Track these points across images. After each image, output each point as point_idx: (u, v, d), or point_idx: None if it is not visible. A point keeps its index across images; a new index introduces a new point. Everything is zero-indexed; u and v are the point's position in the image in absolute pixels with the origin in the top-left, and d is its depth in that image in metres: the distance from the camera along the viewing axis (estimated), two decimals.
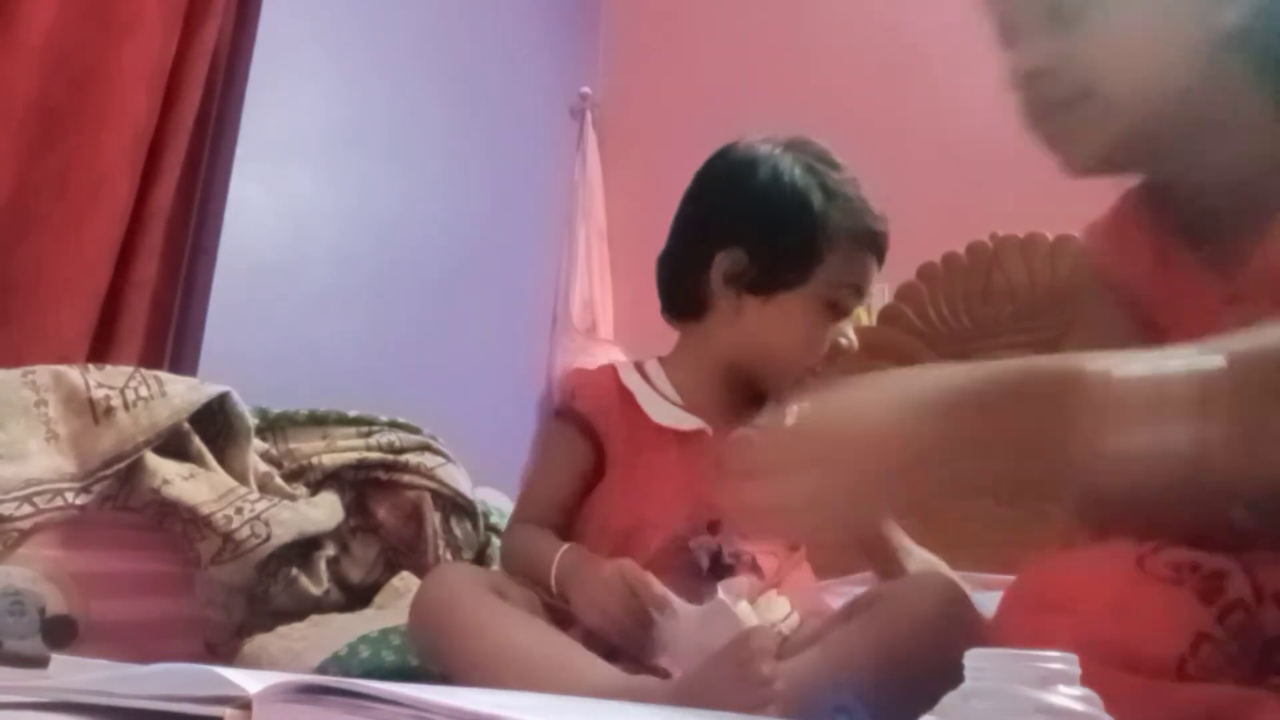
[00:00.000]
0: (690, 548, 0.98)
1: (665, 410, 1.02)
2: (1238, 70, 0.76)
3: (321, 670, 1.01)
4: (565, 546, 0.95)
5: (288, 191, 2.01)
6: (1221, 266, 0.83)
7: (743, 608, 0.83)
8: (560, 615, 0.92)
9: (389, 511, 1.31)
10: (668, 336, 1.13)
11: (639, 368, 1.07)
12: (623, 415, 1.02)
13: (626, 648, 0.87)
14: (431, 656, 0.88)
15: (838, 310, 1.02)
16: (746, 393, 1.04)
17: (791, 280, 1.01)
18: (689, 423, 1.01)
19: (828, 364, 1.02)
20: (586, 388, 1.05)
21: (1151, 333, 0.89)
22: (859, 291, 1.03)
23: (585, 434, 1.02)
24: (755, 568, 0.97)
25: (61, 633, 1.07)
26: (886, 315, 1.99)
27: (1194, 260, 0.85)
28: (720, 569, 0.97)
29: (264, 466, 1.24)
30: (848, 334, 1.03)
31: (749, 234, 1.02)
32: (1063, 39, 0.77)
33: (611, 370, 1.06)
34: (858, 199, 1.04)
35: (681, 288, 1.06)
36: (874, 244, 1.04)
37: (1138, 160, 0.81)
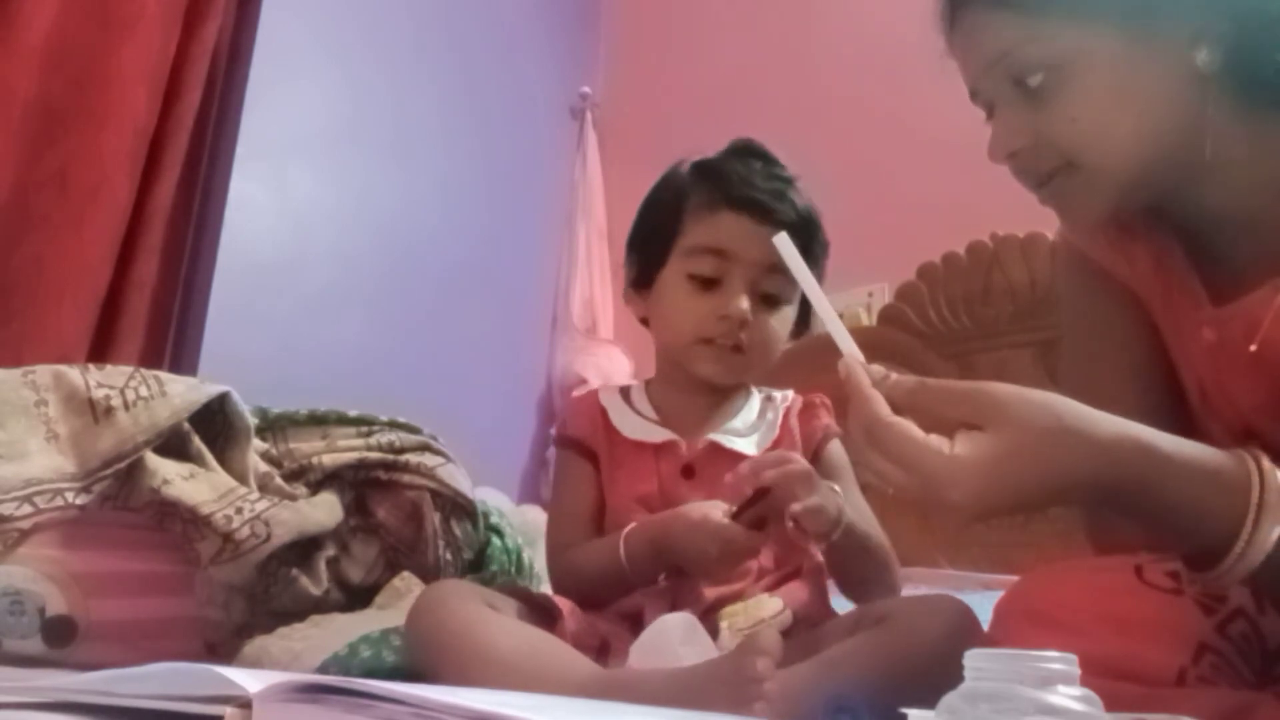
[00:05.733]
0: None
1: (636, 425, 1.08)
2: (1220, 107, 0.75)
3: (322, 670, 1.01)
4: (628, 529, 0.99)
5: (288, 191, 2.01)
6: (1210, 273, 0.83)
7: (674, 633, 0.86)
8: (548, 623, 0.94)
9: (389, 511, 1.31)
10: None
11: (624, 391, 1.13)
12: (605, 433, 1.09)
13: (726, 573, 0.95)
14: (429, 670, 0.89)
15: (702, 279, 1.03)
16: (706, 395, 1.08)
17: (657, 259, 1.07)
18: (657, 435, 1.06)
19: (724, 337, 1.02)
20: (574, 414, 1.13)
21: (1145, 316, 0.89)
22: (721, 254, 1.03)
23: (583, 454, 1.10)
24: None
25: (61, 633, 1.07)
26: (886, 315, 1.99)
27: (1187, 264, 0.85)
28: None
29: (264, 466, 1.24)
30: (734, 305, 1.01)
31: (634, 239, 1.13)
32: (1038, 113, 0.77)
33: (594, 394, 1.14)
34: (736, 172, 1.05)
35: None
36: (736, 202, 1.03)
37: (1135, 207, 0.82)
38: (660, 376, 1.13)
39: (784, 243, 0.78)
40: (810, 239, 1.05)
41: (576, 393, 1.22)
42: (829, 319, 0.75)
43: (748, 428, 1.07)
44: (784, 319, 1.06)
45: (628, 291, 1.13)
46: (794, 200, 1.05)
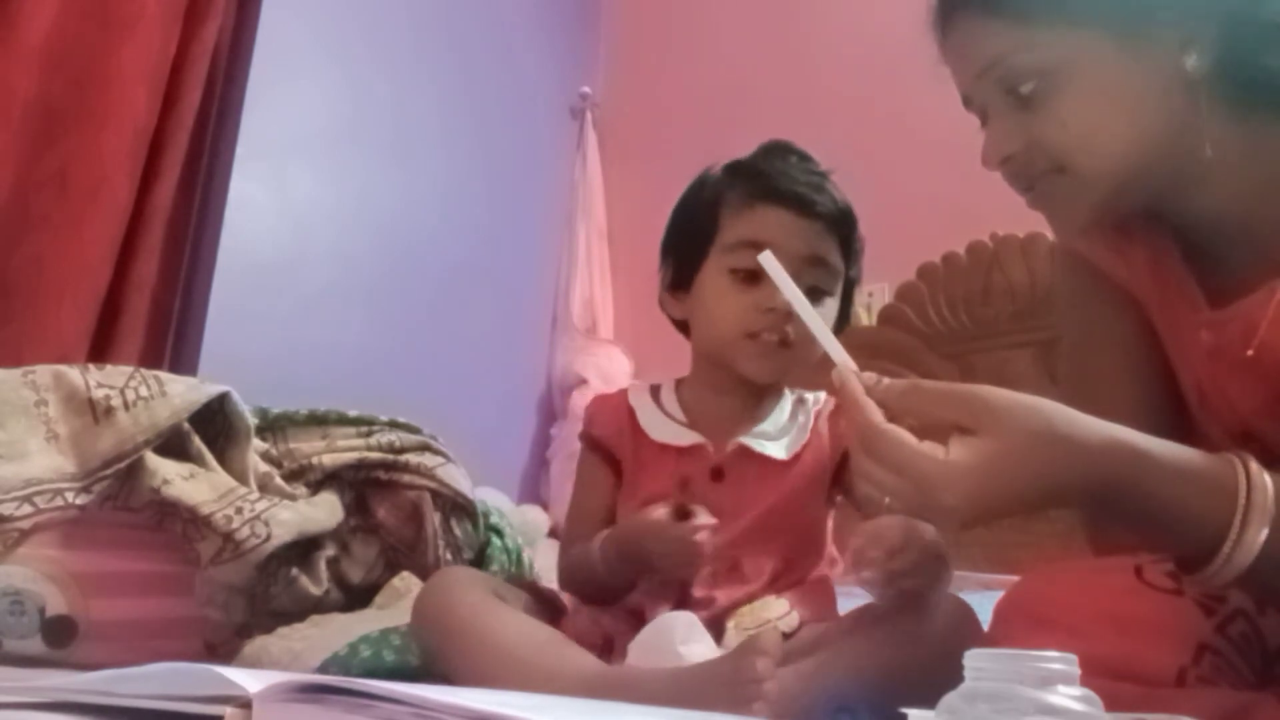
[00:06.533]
0: None
1: (663, 428, 1.06)
2: (1212, 110, 0.75)
3: (322, 670, 1.01)
4: (603, 534, 1.00)
5: (288, 191, 2.01)
6: (1207, 276, 0.83)
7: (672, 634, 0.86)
8: (554, 617, 0.94)
9: (389, 511, 1.31)
10: (667, 336, 1.15)
11: (654, 390, 1.11)
12: (631, 435, 1.07)
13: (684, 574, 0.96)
14: (433, 655, 0.89)
15: (744, 273, 1.01)
16: (740, 397, 1.06)
17: (695, 260, 1.05)
18: (685, 438, 1.04)
19: (769, 331, 1.00)
20: (601, 413, 1.11)
21: (1142, 318, 0.90)
22: (762, 248, 0.96)
23: (603, 456, 1.08)
24: (734, 570, 0.99)
25: (61, 633, 1.07)
26: (886, 315, 1.99)
27: (1184, 266, 0.85)
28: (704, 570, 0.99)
29: (264, 466, 1.24)
30: (779, 298, 0.92)
31: (669, 242, 1.10)
32: (1029, 118, 0.78)
33: (624, 394, 1.11)
34: (773, 166, 1.04)
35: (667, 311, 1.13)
36: (775, 196, 1.01)
37: (1124, 211, 0.82)
38: (694, 377, 1.10)
39: (769, 260, 0.77)
40: (849, 233, 1.05)
41: (593, 394, 1.19)
42: (819, 331, 0.74)
43: (778, 430, 1.05)
44: (828, 312, 1.03)
45: (663, 295, 1.11)
46: (832, 193, 1.03)
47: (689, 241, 1.06)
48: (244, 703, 0.43)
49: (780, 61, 2.51)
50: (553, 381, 2.58)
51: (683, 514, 0.94)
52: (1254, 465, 0.64)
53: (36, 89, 1.66)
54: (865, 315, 2.11)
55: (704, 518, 0.93)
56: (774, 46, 2.55)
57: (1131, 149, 0.76)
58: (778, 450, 1.03)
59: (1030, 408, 0.64)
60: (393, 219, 2.22)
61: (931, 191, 2.07)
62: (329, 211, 2.10)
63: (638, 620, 0.96)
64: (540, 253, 2.66)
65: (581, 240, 2.66)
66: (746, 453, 1.02)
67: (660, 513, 0.93)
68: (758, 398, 1.07)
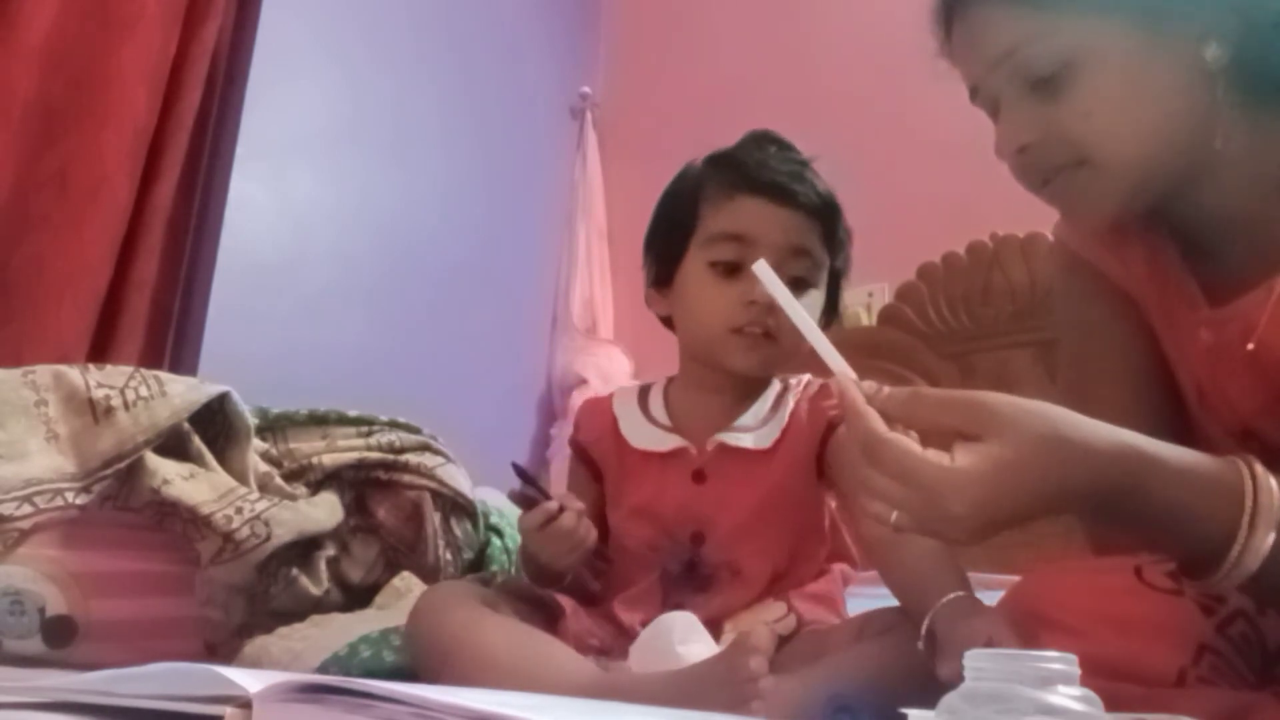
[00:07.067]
0: (664, 556, 1.00)
1: (644, 434, 1.04)
2: (1225, 101, 0.74)
3: (322, 670, 1.01)
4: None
5: (288, 191, 2.01)
6: (1205, 274, 0.83)
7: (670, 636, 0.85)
8: (551, 620, 0.94)
9: (389, 511, 1.31)
10: (667, 336, 1.14)
11: (642, 392, 1.09)
12: (613, 441, 1.06)
13: (569, 568, 0.97)
14: (427, 671, 0.89)
15: (724, 266, 0.99)
16: (727, 393, 1.04)
17: (675, 254, 1.03)
18: (666, 443, 1.03)
19: (752, 325, 0.98)
20: (586, 419, 1.10)
21: (1140, 318, 0.89)
22: (742, 239, 0.98)
23: (585, 462, 1.08)
24: (737, 574, 0.98)
25: (61, 633, 1.07)
26: (886, 315, 1.99)
27: (1182, 265, 0.85)
28: (698, 578, 0.98)
29: (264, 466, 1.24)
30: (760, 290, 0.86)
31: (651, 237, 1.08)
32: (1048, 108, 0.76)
33: (609, 400, 1.10)
34: (751, 157, 1.02)
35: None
36: (753, 186, 0.99)
37: (1143, 205, 0.81)
38: (683, 376, 1.08)
39: (763, 269, 0.75)
40: (833, 223, 1.02)
41: (593, 394, 1.18)
42: (817, 340, 0.72)
43: (758, 422, 1.02)
44: (812, 303, 1.01)
45: (648, 292, 1.08)
46: (813, 182, 1.01)
47: (669, 235, 1.05)
48: (244, 703, 0.43)
49: (780, 61, 2.51)
50: (553, 381, 2.58)
51: (528, 501, 0.94)
52: (1259, 468, 0.63)
53: (36, 89, 1.66)
54: (865, 315, 2.11)
55: (575, 504, 0.93)
56: (774, 46, 2.55)
57: (1155, 141, 0.75)
58: (756, 441, 1.00)
59: (1035, 413, 0.63)
60: (393, 219, 2.22)
61: (931, 191, 2.07)
62: (329, 211, 2.10)
63: (618, 627, 0.96)
64: (540, 253, 2.66)
65: (581, 240, 2.66)
66: (726, 450, 1.00)
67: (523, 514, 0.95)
68: (744, 393, 1.04)
